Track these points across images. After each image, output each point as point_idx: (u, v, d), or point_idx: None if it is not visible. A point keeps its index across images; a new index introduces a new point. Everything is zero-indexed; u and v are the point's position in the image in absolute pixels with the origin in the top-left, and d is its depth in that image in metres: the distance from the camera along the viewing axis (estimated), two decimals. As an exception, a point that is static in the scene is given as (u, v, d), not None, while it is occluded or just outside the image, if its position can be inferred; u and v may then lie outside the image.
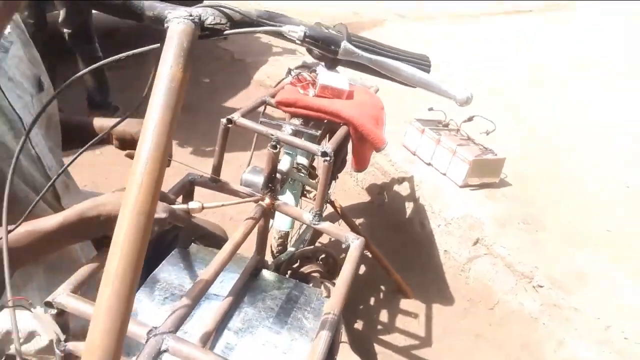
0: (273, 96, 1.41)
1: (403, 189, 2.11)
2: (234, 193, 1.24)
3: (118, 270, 0.45)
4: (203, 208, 1.11)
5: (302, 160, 1.53)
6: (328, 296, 1.10)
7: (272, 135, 1.21)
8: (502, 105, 2.66)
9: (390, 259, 1.83)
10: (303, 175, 1.53)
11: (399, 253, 1.95)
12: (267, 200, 1.20)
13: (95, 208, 0.85)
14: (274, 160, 1.18)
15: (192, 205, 1.08)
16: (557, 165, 2.23)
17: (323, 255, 1.65)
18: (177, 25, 0.52)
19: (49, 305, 0.81)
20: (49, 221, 0.82)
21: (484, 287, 1.78)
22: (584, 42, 4.31)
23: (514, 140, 2.32)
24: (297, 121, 1.46)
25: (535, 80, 3.33)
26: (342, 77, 1.55)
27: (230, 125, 1.22)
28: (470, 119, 2.09)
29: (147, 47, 0.54)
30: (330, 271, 1.72)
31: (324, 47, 0.56)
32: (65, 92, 0.63)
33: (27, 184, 0.97)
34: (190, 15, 0.52)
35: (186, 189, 1.17)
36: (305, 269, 1.63)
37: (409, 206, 2.07)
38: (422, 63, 0.62)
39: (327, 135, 1.57)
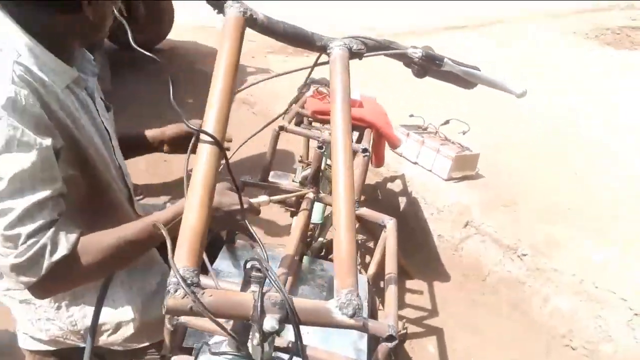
0: (302, 107, 1.66)
1: (395, 186, 2.41)
2: (281, 190, 1.47)
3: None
4: (270, 201, 1.35)
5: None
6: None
7: (319, 137, 1.45)
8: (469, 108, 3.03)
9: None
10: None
11: (398, 240, 2.22)
12: (312, 194, 1.44)
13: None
14: (320, 159, 1.43)
15: (262, 198, 1.31)
16: (519, 158, 2.61)
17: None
18: (339, 50, 0.76)
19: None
20: (163, 215, 1.01)
21: (475, 262, 2.09)
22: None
23: (483, 138, 2.68)
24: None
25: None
26: (360, 94, 1.83)
27: (281, 132, 1.45)
28: (447, 122, 2.42)
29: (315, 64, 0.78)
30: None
31: (433, 63, 0.82)
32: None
33: (120, 190, 1.15)
34: (345, 44, 0.77)
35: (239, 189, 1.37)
36: (331, 256, 1.87)
37: (403, 200, 2.36)
38: (478, 69, 0.90)
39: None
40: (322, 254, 1.83)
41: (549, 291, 1.88)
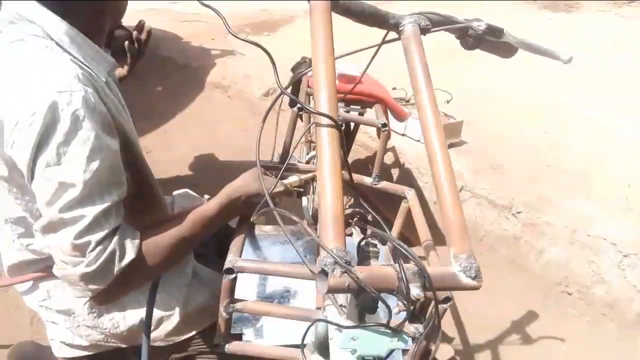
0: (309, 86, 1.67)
1: (387, 159, 2.47)
2: (299, 170, 1.49)
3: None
4: (300, 180, 1.37)
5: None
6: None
7: (340, 116, 1.47)
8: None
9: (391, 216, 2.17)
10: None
11: (395, 210, 2.30)
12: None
13: (237, 190, 1.06)
14: (342, 137, 1.46)
15: (292, 179, 1.34)
16: (498, 123, 2.74)
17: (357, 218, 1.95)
18: (411, 27, 0.79)
19: (229, 272, 1.02)
20: (210, 207, 1.02)
21: (473, 224, 2.20)
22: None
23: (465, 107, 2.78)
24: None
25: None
26: (352, 66, 1.85)
27: (301, 112, 1.46)
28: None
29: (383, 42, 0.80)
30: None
31: (493, 34, 0.86)
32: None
33: (157, 185, 1.14)
34: (415, 21, 0.80)
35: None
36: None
37: (396, 172, 2.43)
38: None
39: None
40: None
41: (543, 244, 2.02)
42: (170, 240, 0.93)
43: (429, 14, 0.83)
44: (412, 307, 0.60)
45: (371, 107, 1.66)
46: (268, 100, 3.00)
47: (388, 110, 1.73)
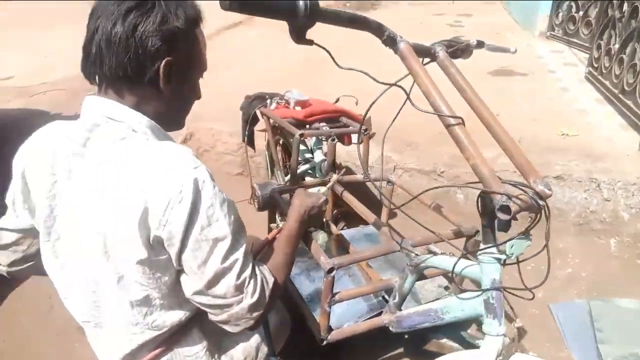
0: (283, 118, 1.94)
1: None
2: (310, 185, 1.80)
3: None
4: (327, 190, 1.69)
5: (319, 153, 2.10)
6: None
7: (332, 133, 1.79)
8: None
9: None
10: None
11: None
12: (334, 179, 1.82)
13: (301, 208, 1.26)
14: (334, 150, 1.81)
15: (322, 190, 1.66)
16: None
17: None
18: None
19: (330, 270, 1.32)
20: (292, 227, 1.21)
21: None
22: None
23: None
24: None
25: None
26: (295, 92, 2.18)
27: (302, 138, 1.74)
28: (337, 100, 2.93)
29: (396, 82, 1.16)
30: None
31: (479, 45, 1.29)
32: None
33: None
34: (443, 48, 1.19)
35: (273, 198, 1.65)
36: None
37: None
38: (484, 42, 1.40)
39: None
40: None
41: (467, 191, 2.61)
42: (282, 260, 1.11)
43: (444, 41, 1.23)
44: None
45: (338, 121, 2.01)
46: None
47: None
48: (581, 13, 4.85)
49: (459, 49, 1.24)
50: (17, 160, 0.97)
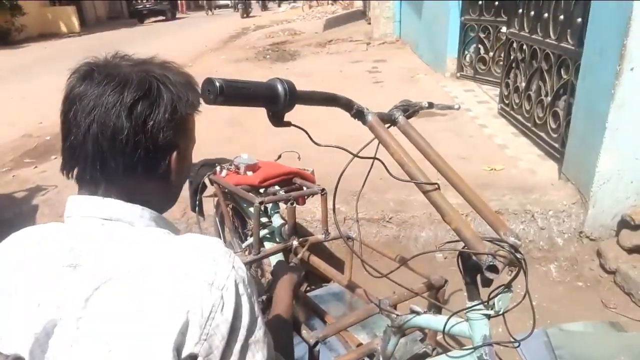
0: (237, 185, 1.90)
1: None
2: (270, 253, 1.77)
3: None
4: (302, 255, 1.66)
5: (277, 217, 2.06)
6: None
7: (291, 198, 1.77)
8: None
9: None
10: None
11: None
12: (296, 243, 1.81)
13: (292, 282, 1.33)
14: (294, 213, 1.81)
15: (295, 260, 1.64)
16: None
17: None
18: (401, 117, 1.23)
19: (316, 344, 1.30)
20: (289, 301, 1.25)
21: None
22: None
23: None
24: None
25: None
26: (244, 156, 2.16)
27: (262, 205, 1.71)
28: (279, 157, 2.94)
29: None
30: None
31: (430, 106, 1.36)
32: None
33: None
34: (401, 113, 1.25)
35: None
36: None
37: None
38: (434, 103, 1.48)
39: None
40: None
41: (415, 230, 2.70)
42: (288, 339, 1.11)
43: (400, 105, 1.29)
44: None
45: (292, 182, 2.01)
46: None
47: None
48: (491, 54, 5.37)
49: (412, 112, 1.30)
50: None
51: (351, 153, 1.06)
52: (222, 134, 4.24)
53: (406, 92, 5.15)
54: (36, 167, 4.07)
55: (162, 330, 0.66)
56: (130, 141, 0.73)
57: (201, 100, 0.85)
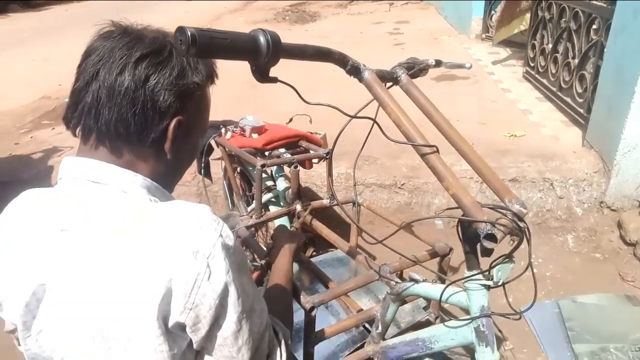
0: (241, 147, 1.86)
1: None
2: (277, 216, 1.74)
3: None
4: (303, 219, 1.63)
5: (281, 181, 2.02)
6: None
7: (294, 160, 1.73)
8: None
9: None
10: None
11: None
12: (300, 207, 1.77)
13: (291, 247, 1.29)
14: (297, 177, 1.76)
15: (295, 224, 1.60)
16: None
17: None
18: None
19: (312, 309, 1.27)
20: (288, 266, 1.22)
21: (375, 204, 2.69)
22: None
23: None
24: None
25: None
26: (250, 118, 2.10)
27: (264, 168, 1.67)
28: (291, 120, 2.88)
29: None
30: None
31: (438, 64, 1.28)
32: None
33: None
34: (404, 71, 1.17)
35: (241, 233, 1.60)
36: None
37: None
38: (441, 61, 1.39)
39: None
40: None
41: (428, 198, 2.63)
42: (287, 305, 1.08)
43: (404, 63, 1.20)
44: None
45: (298, 145, 1.96)
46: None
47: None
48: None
49: (418, 70, 1.22)
50: None
51: (347, 114, 1.00)
52: (236, 96, 4.18)
53: (426, 55, 4.97)
54: (53, 128, 4.11)
55: (144, 298, 0.65)
56: (129, 95, 0.72)
57: (215, 74, 0.84)
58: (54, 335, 0.72)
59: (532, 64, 4.13)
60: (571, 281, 2.21)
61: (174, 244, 0.67)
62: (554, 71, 3.64)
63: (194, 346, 0.72)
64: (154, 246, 0.67)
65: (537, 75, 4.00)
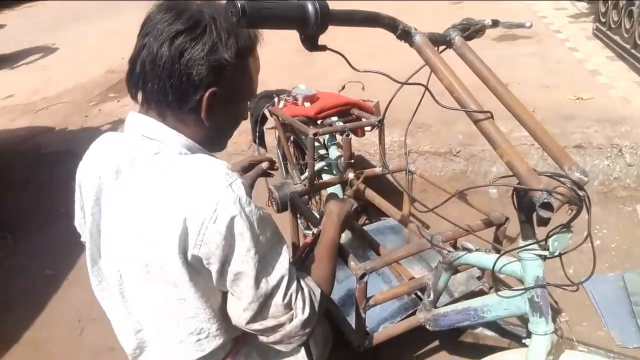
0: (294, 116, 1.88)
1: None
2: (329, 184, 1.75)
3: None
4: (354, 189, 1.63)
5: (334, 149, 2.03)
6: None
7: (346, 128, 1.73)
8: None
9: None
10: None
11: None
12: (352, 175, 1.76)
13: (341, 215, 1.28)
14: (349, 145, 1.74)
15: (348, 193, 1.61)
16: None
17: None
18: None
19: (363, 276, 1.26)
20: (334, 234, 1.22)
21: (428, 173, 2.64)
22: None
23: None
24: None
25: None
26: (302, 87, 2.10)
27: (316, 137, 1.68)
28: (343, 88, 2.85)
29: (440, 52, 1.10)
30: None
31: (495, 24, 1.21)
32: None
33: None
34: (458, 33, 1.12)
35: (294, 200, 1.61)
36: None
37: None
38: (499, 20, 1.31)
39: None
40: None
41: (485, 165, 2.55)
42: (328, 270, 1.09)
43: (458, 25, 1.16)
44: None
45: (350, 113, 1.94)
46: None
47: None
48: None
49: (474, 31, 1.17)
50: (76, 180, 0.97)
51: (397, 81, 0.98)
52: (288, 65, 4.18)
53: (487, 14, 4.71)
54: (119, 101, 4.31)
55: (168, 233, 0.80)
56: (167, 68, 0.82)
57: (254, 45, 0.91)
58: (107, 267, 0.93)
59: (603, 20, 3.82)
60: (639, 254, 2.10)
61: (189, 189, 0.80)
62: (628, 26, 3.35)
63: (214, 281, 0.85)
64: (174, 190, 0.80)
65: (608, 32, 3.70)
